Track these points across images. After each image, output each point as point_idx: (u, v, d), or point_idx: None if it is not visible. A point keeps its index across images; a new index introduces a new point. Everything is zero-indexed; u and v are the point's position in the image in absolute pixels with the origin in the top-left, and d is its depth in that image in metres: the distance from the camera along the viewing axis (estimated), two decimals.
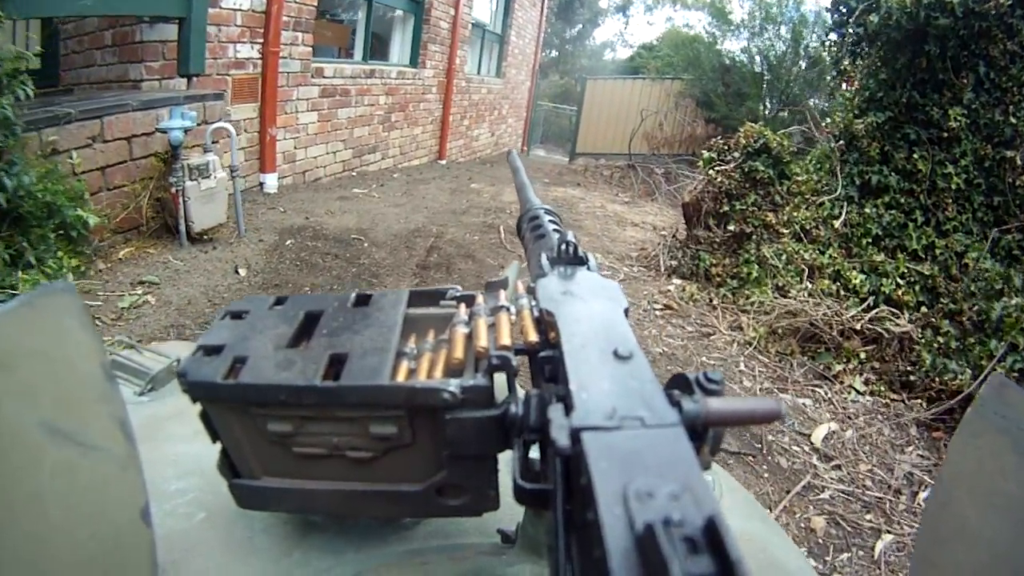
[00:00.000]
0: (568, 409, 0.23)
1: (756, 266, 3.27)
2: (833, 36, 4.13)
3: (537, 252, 0.40)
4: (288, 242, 3.22)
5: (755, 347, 2.78)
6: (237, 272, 2.76)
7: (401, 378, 0.31)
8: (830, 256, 3.23)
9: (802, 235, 3.35)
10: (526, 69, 11.14)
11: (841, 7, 3.86)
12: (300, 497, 0.33)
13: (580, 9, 18.20)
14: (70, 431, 0.27)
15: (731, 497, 0.53)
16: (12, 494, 0.25)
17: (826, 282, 3.09)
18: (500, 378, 0.30)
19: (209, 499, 0.40)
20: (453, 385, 0.29)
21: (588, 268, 0.36)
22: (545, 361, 0.30)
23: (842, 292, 3.13)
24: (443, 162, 7.47)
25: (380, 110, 5.78)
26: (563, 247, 0.36)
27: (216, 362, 0.31)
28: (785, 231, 3.35)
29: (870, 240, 3.30)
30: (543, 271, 0.35)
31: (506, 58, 9.60)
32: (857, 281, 3.12)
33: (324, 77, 4.79)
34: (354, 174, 5.51)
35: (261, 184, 4.34)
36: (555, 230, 0.44)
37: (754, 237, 3.38)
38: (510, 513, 0.35)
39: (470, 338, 0.32)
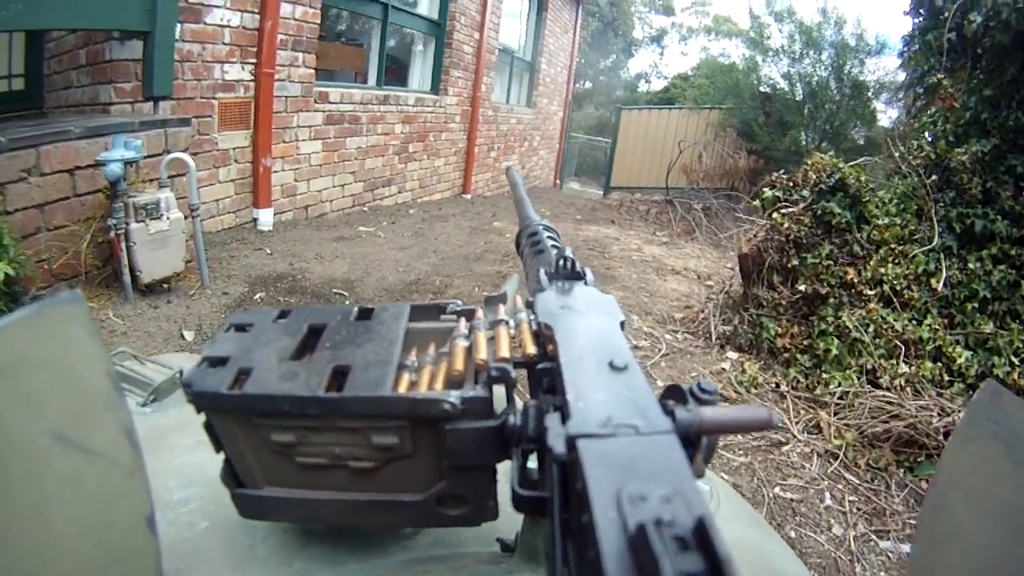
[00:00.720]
0: (565, 418, 0.25)
1: (835, 339, 2.76)
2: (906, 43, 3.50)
3: (535, 267, 0.43)
4: (257, 296, 2.90)
5: (840, 460, 2.19)
6: (183, 336, 2.47)
7: (403, 390, 0.33)
8: (929, 327, 2.74)
9: (892, 297, 2.82)
10: (559, 99, 11.33)
11: (922, 9, 3.21)
12: (302, 507, 0.35)
13: (614, 39, 18.69)
14: (76, 439, 0.29)
15: (729, 506, 0.53)
16: (19, 502, 0.26)
17: (928, 364, 2.59)
18: (499, 390, 0.33)
19: (212, 509, 0.42)
20: (453, 396, 0.31)
21: (585, 283, 0.39)
22: (543, 373, 0.32)
23: (944, 376, 2.63)
24: (467, 196, 7.38)
25: (396, 140, 5.75)
26: (561, 262, 0.39)
27: (221, 373, 0.33)
28: (870, 292, 2.86)
29: (976, 305, 2.82)
30: (541, 286, 0.38)
31: (537, 87, 9.82)
32: (962, 360, 2.67)
33: (329, 103, 4.62)
34: (365, 209, 5.36)
35: (254, 220, 4.14)
36: (553, 246, 0.48)
37: (831, 300, 2.87)
38: (509, 522, 0.38)
39: (470, 351, 0.35)
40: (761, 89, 9.38)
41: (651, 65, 25.06)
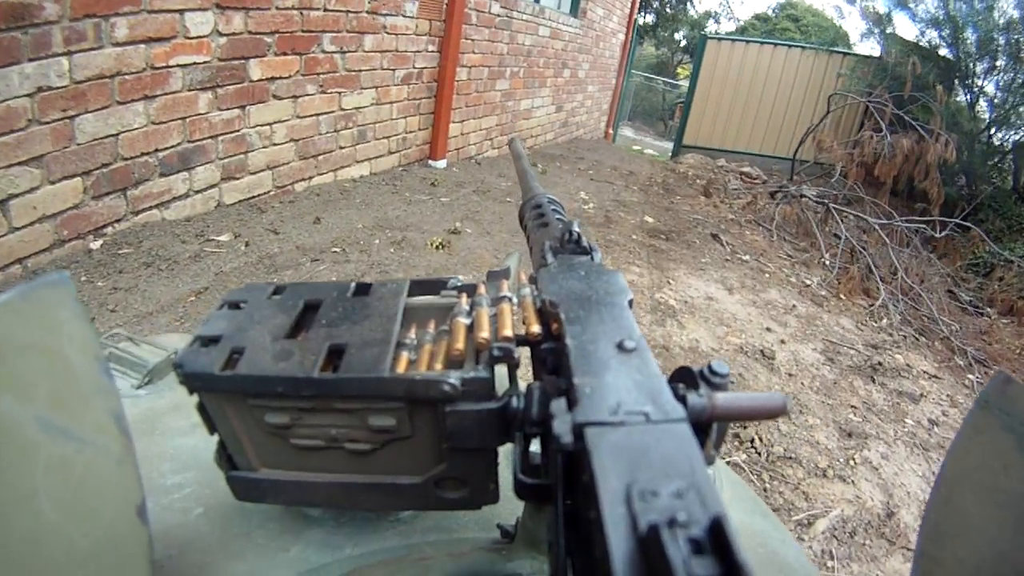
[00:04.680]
0: (571, 403, 0.30)
1: None
2: None
3: (540, 241, 0.52)
4: None
5: None
6: None
7: (401, 369, 0.40)
8: None
9: None
10: (619, 13, 9.21)
11: None
12: (298, 489, 0.44)
13: None
14: (65, 426, 0.36)
15: (732, 491, 0.68)
16: (7, 490, 0.32)
17: None
18: (501, 370, 0.40)
19: (207, 493, 0.53)
20: (453, 377, 0.38)
21: (592, 258, 0.47)
22: (547, 353, 0.40)
23: None
24: (438, 164, 5.06)
25: (196, 51, 3.05)
26: (566, 236, 0.48)
27: (213, 353, 0.41)
28: None
29: None
30: (546, 260, 0.47)
31: None
32: None
33: None
34: (96, 246, 2.81)
35: None
36: (558, 218, 0.57)
37: None
38: (510, 508, 0.46)
39: (471, 329, 0.42)
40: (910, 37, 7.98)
41: (721, 3, 26.90)
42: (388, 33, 4.19)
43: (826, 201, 5.76)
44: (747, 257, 4.65)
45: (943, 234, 5.61)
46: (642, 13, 17.88)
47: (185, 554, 0.48)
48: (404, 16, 4.26)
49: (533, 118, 6.91)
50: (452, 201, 4.14)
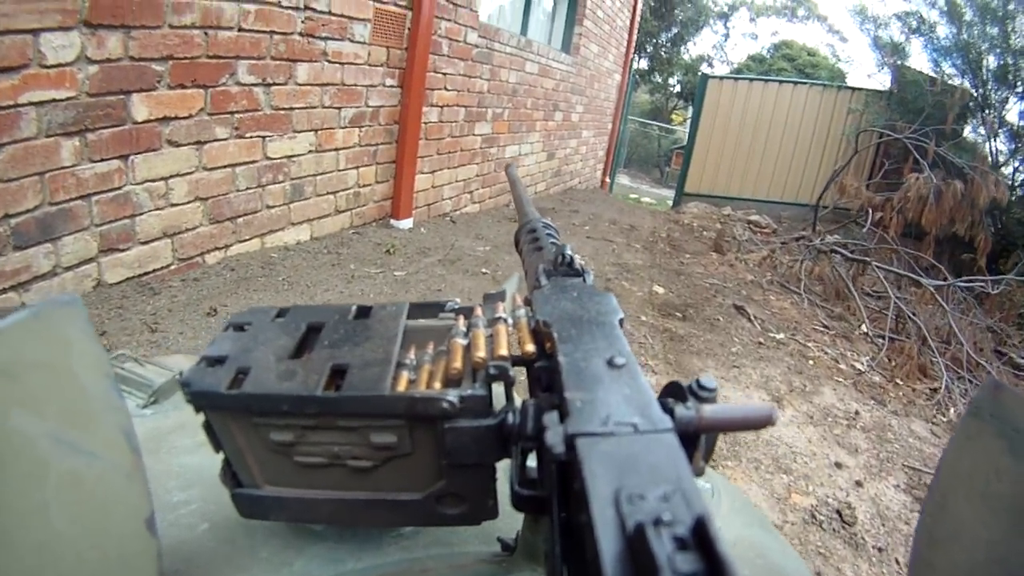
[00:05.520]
0: (563, 416, 0.33)
1: None
2: None
3: (534, 264, 0.57)
4: None
5: None
6: None
7: (401, 388, 0.43)
8: None
9: None
10: (616, 51, 8.70)
11: None
12: (301, 506, 0.47)
13: (682, 4, 19.37)
14: (76, 441, 0.38)
15: (730, 503, 0.72)
16: (19, 503, 0.34)
17: None
18: (498, 388, 0.42)
19: (212, 510, 0.56)
20: (452, 395, 0.41)
21: (584, 280, 0.51)
22: (542, 371, 0.43)
23: None
24: (403, 224, 4.39)
25: (51, 84, 2.38)
26: (559, 259, 0.53)
27: (220, 372, 0.44)
28: None
29: None
30: (540, 283, 0.51)
31: (581, 22, 7.03)
32: None
33: None
34: None
35: None
36: (552, 243, 0.61)
37: None
38: (511, 522, 0.49)
39: (468, 349, 0.45)
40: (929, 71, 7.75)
41: (714, 47, 27.26)
42: (330, 62, 3.48)
43: (867, 259, 5.15)
44: (781, 335, 4.05)
45: (998, 290, 5.23)
46: (636, 57, 18.09)
47: (191, 568, 0.50)
48: (352, 41, 3.51)
49: (521, 167, 6.24)
50: (408, 276, 3.43)
